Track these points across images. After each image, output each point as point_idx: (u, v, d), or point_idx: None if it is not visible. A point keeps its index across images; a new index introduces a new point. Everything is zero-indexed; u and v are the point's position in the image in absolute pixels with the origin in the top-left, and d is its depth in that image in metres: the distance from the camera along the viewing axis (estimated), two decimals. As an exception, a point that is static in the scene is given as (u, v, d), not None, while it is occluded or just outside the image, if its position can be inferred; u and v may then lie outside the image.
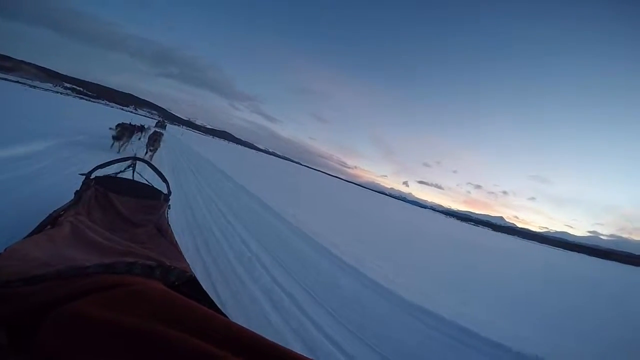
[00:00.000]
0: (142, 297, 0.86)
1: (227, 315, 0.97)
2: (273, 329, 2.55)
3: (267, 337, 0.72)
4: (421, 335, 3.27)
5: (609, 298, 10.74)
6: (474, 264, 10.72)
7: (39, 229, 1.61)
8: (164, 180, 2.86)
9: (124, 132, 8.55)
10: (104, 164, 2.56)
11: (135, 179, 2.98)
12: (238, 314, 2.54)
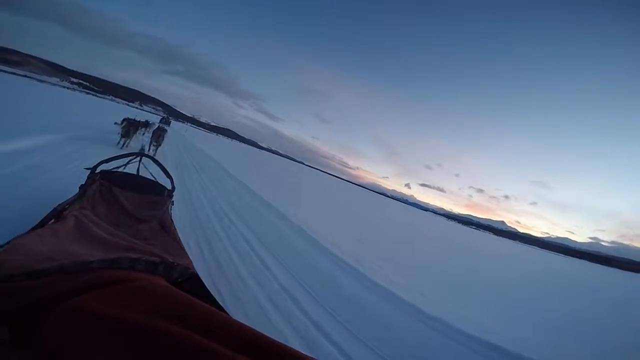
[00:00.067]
0: (145, 294, 0.85)
1: (228, 312, 0.97)
2: (272, 325, 2.56)
3: (268, 335, 0.72)
4: (421, 335, 3.26)
5: (615, 306, 10.66)
6: (476, 267, 10.66)
7: (43, 222, 1.61)
8: (168, 175, 2.86)
9: (129, 127, 8.63)
10: (109, 158, 2.58)
11: (139, 174, 2.99)
12: (239, 311, 2.55)
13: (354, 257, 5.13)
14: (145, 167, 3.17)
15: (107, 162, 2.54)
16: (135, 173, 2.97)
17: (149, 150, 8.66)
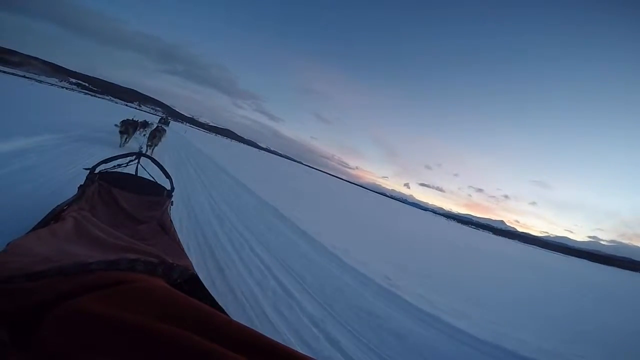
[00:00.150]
0: (145, 295, 0.85)
1: (228, 313, 0.97)
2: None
3: (267, 336, 0.72)
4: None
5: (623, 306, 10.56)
6: (476, 265, 10.71)
7: (43, 223, 1.61)
8: (167, 176, 2.85)
9: (128, 128, 8.65)
10: (108, 159, 2.58)
11: (138, 174, 2.98)
12: (239, 311, 2.54)
13: (382, 275, 4.83)
14: (143, 168, 3.16)
15: (106, 163, 2.53)
16: (134, 173, 2.97)
17: (145, 150, 8.66)
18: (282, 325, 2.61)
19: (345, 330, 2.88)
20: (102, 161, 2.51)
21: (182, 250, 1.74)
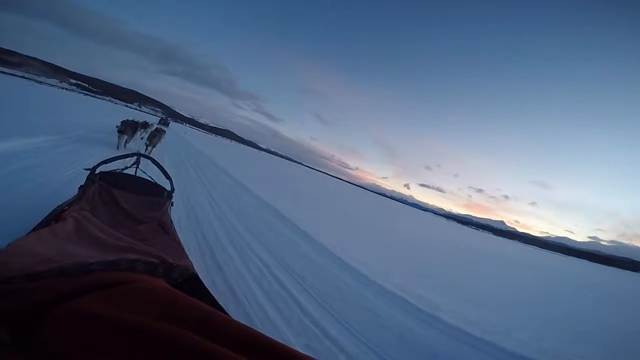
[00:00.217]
0: (145, 295, 0.85)
1: (228, 313, 0.97)
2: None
3: (268, 335, 0.72)
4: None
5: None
6: (476, 266, 10.70)
7: (43, 224, 1.61)
8: (167, 176, 2.85)
9: (128, 128, 8.64)
10: (108, 159, 2.58)
11: (137, 175, 2.99)
12: (239, 310, 2.55)
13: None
14: (142, 171, 3.16)
15: (106, 163, 2.54)
16: (134, 174, 2.97)
17: (145, 150, 8.67)
18: (282, 325, 2.61)
19: (345, 330, 2.88)
20: (102, 161, 2.52)
21: (183, 250, 1.74)
